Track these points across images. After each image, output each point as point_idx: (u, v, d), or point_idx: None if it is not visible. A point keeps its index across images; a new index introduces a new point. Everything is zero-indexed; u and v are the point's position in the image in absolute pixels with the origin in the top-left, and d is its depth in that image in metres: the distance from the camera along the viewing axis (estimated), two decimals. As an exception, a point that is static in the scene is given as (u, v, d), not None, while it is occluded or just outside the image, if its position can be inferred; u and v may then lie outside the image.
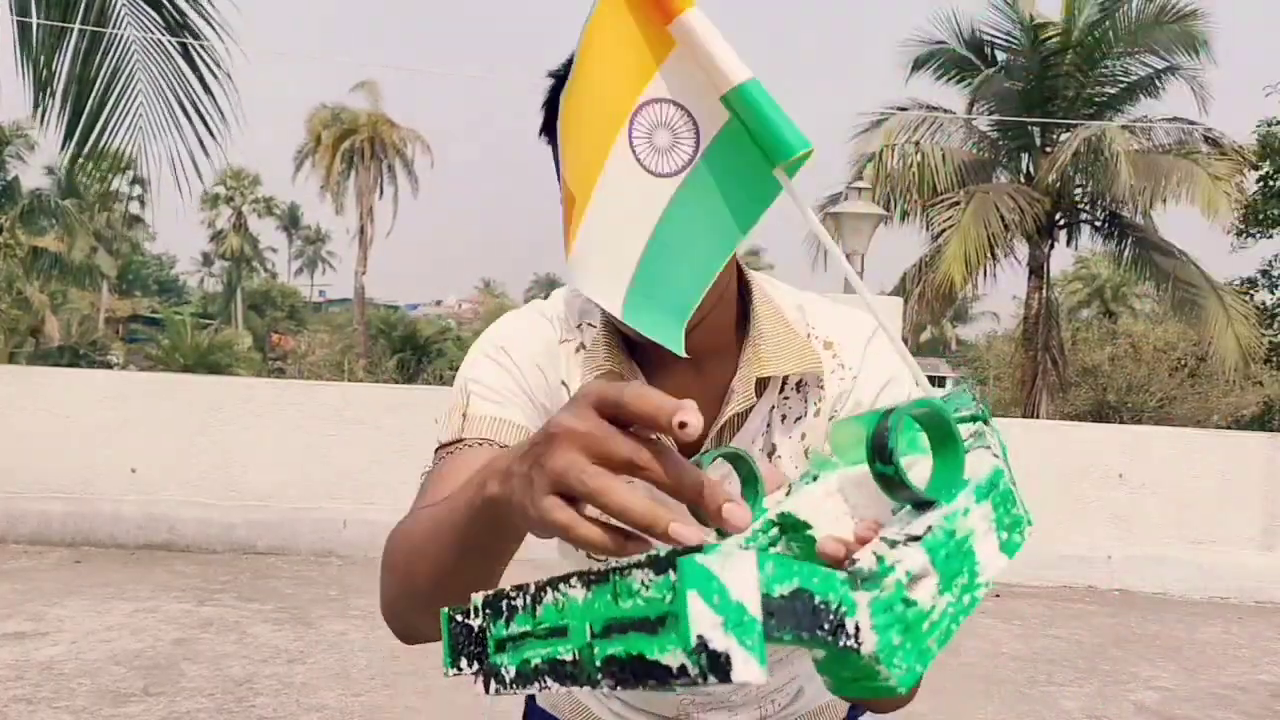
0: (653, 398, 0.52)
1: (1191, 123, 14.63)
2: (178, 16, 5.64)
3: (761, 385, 1.02)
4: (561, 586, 0.50)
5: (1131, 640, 5.34)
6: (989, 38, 15.37)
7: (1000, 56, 15.48)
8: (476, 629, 0.56)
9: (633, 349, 1.03)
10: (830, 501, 0.65)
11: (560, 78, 0.96)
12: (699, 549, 0.42)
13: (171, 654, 4.22)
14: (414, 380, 24.43)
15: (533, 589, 0.52)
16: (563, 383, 1.05)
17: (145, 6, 5.61)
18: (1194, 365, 16.52)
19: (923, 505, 0.54)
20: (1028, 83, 15.00)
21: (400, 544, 0.85)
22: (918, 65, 15.58)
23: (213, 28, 5.66)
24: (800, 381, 1.03)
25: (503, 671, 0.53)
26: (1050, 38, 14.91)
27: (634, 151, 0.82)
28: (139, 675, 3.94)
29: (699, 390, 1.02)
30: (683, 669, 0.42)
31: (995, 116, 15.66)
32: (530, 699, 1.31)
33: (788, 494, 0.68)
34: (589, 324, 1.06)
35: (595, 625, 0.47)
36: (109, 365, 30.08)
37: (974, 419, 0.64)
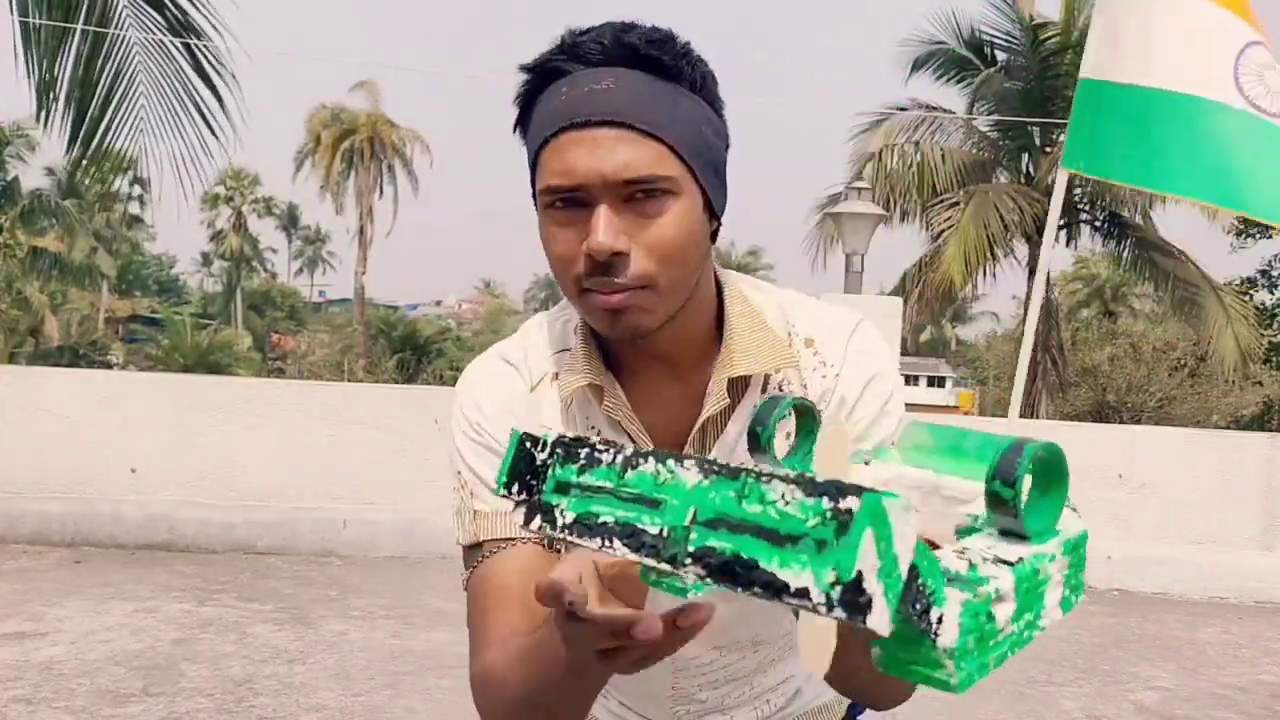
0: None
1: (1191, 123, 14.64)
2: (179, 16, 5.64)
3: (741, 386, 1.01)
4: (670, 462, 0.51)
5: (1131, 640, 5.34)
6: (989, 38, 15.37)
7: (1000, 56, 15.48)
8: (540, 462, 0.56)
9: (609, 361, 1.02)
10: (834, 428, 0.66)
11: (533, 70, 0.95)
12: (874, 490, 0.43)
13: (171, 654, 4.22)
14: (414, 380, 24.43)
15: (629, 451, 0.53)
16: (543, 428, 1.05)
17: (147, 7, 5.61)
18: (1194, 365, 16.52)
19: (1013, 535, 0.55)
20: (1027, 83, 15.01)
21: (497, 700, 0.93)
22: (917, 65, 15.58)
23: (215, 27, 5.66)
24: (782, 381, 1.02)
25: (557, 512, 0.55)
26: (1050, 37, 14.91)
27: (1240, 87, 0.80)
28: (139, 675, 3.94)
29: (677, 394, 1.02)
30: (805, 592, 0.43)
31: (995, 116, 15.66)
32: None
33: None
34: (565, 350, 1.05)
35: (704, 512, 0.48)
36: (109, 365, 30.08)
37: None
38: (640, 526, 0.50)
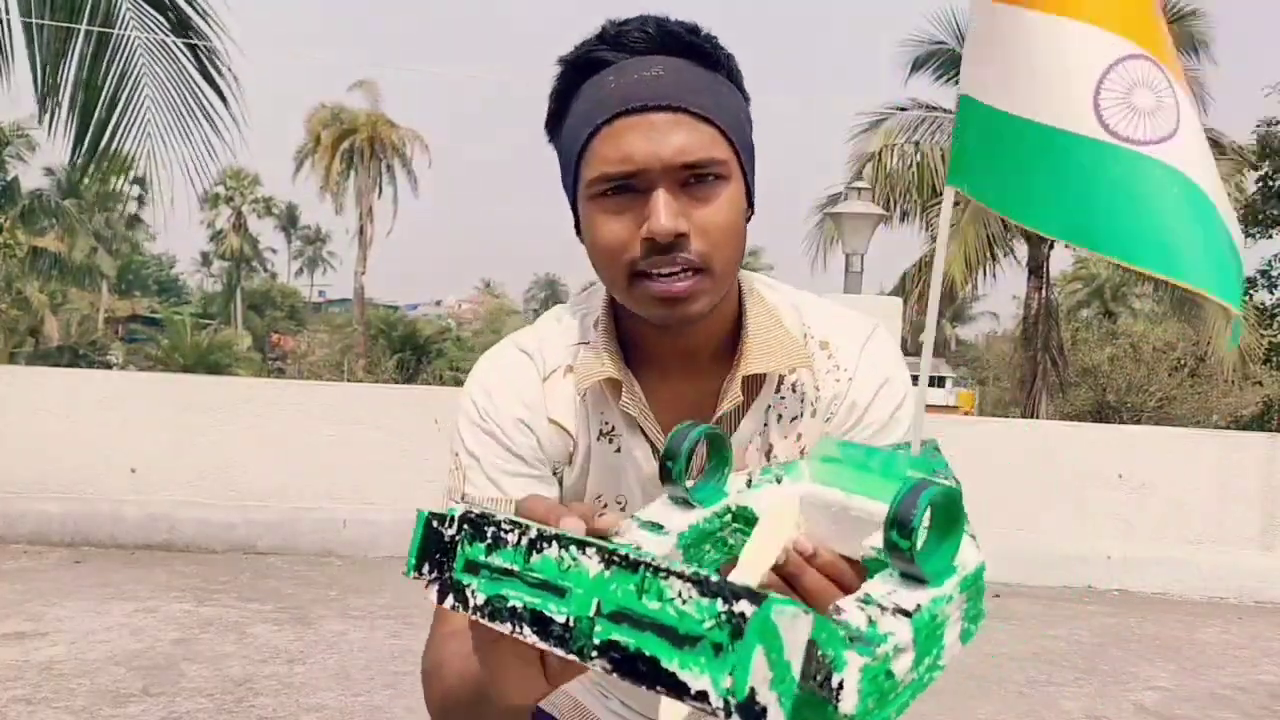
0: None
1: (1191, 123, 14.63)
2: (178, 16, 5.64)
3: (756, 385, 1.02)
4: (573, 549, 0.50)
5: (1131, 640, 5.34)
6: (989, 38, 15.34)
7: (1000, 57, 15.45)
8: (448, 539, 0.56)
9: (629, 356, 1.02)
10: (787, 507, 0.67)
11: (570, 64, 0.95)
12: (765, 596, 0.43)
13: (171, 654, 4.22)
14: (413, 380, 24.43)
15: (533, 533, 0.52)
16: (551, 420, 1.04)
17: (149, 8, 5.60)
18: (1193, 365, 16.53)
19: (912, 579, 0.56)
20: (1027, 83, 14.98)
21: (439, 692, 0.94)
22: (917, 65, 15.61)
23: (212, 27, 5.66)
24: (796, 382, 1.02)
25: (468, 592, 0.54)
26: (1050, 38, 14.89)
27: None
28: (138, 675, 3.94)
29: (692, 390, 1.02)
30: (704, 695, 0.44)
31: (995, 117, 15.63)
32: None
33: (749, 484, 0.69)
34: (585, 343, 1.04)
35: (605, 605, 0.48)
36: (108, 365, 30.09)
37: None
38: (548, 614, 0.50)
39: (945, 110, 15.83)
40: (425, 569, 0.57)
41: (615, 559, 0.49)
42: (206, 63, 5.68)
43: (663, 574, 0.47)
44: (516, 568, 0.52)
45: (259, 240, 50.73)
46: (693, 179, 0.90)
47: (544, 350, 1.06)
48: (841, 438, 0.67)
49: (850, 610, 0.53)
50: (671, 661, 0.45)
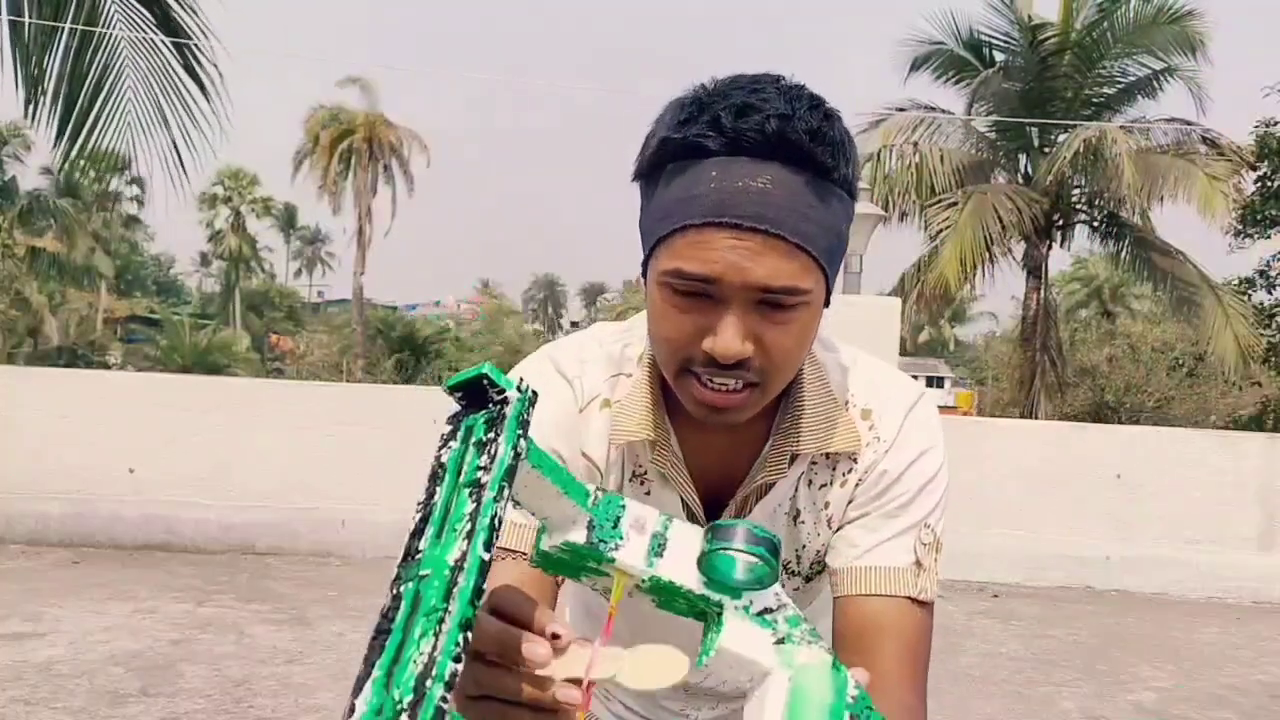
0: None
1: (1189, 123, 14.65)
2: (165, 14, 5.64)
3: (794, 456, 0.99)
4: None
5: (1129, 640, 5.35)
6: (987, 38, 15.37)
7: (998, 57, 15.48)
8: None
9: (670, 406, 0.99)
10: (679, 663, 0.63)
11: (678, 142, 0.86)
12: None
13: (170, 654, 4.22)
14: (412, 381, 24.41)
15: None
16: (583, 454, 1.01)
17: (135, 4, 5.61)
18: (1192, 365, 16.54)
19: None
20: (1026, 83, 15.01)
21: None
22: (916, 66, 15.59)
23: (201, 26, 5.65)
24: (836, 454, 1.00)
25: None
26: (1048, 38, 14.92)
27: None
28: (137, 676, 3.94)
29: (729, 447, 0.99)
30: None
31: (993, 117, 15.67)
32: None
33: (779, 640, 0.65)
34: (625, 375, 1.01)
35: None
36: (107, 365, 30.05)
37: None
38: None
39: (944, 111, 15.84)
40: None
41: None
42: (191, 58, 5.68)
43: None
44: None
45: (257, 240, 50.72)
46: (771, 302, 0.85)
47: (584, 377, 1.02)
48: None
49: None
50: None
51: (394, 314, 36.41)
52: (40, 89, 5.50)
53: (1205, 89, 14.61)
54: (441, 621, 0.50)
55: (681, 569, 0.61)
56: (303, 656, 4.30)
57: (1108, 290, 34.30)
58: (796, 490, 1.00)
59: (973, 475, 6.19)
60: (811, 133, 0.84)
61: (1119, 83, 15.30)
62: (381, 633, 0.51)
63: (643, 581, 0.62)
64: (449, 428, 0.59)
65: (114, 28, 5.58)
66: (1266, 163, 13.49)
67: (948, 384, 45.57)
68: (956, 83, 15.75)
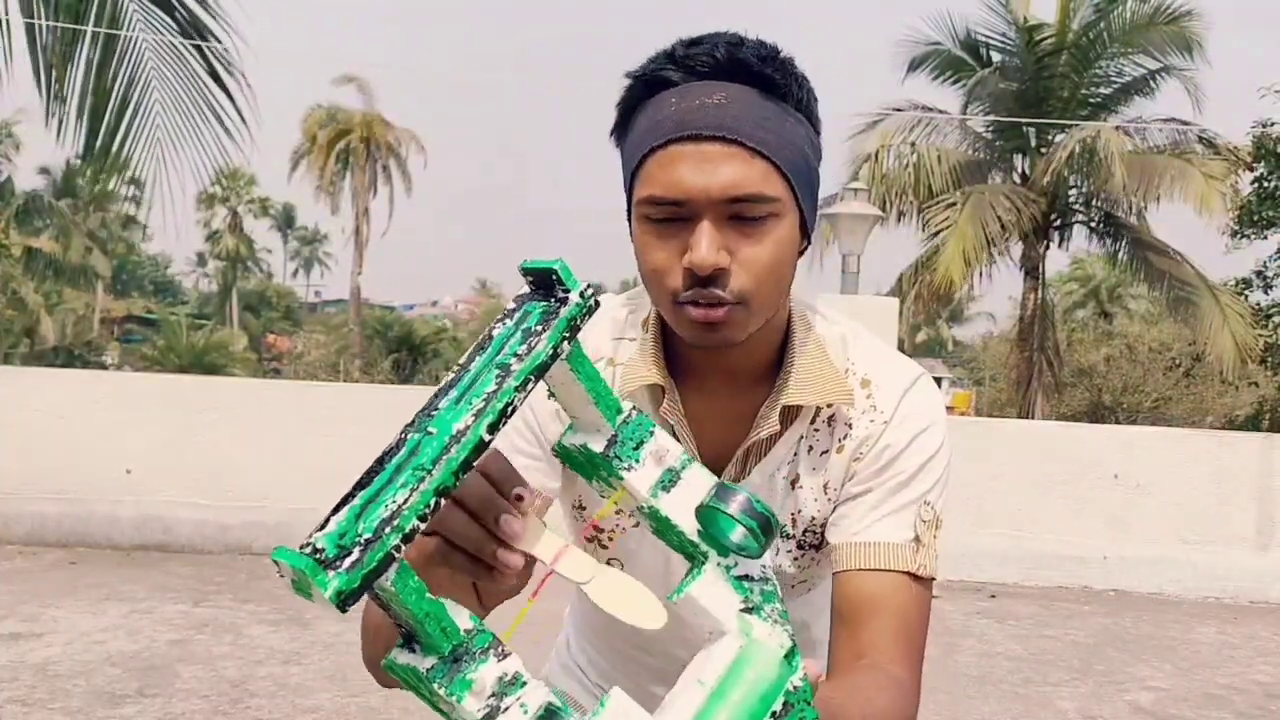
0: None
1: (1186, 124, 14.67)
2: (188, 16, 5.56)
3: (792, 414, 1.01)
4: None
5: (1127, 640, 5.35)
6: (984, 38, 15.40)
7: (995, 57, 15.50)
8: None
9: (672, 364, 1.01)
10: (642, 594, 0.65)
11: (639, 78, 0.94)
12: None
13: (167, 655, 4.22)
14: (409, 381, 24.39)
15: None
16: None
17: (155, 9, 5.53)
18: (1189, 365, 16.56)
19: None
20: (1023, 83, 15.03)
21: (372, 641, 0.87)
22: (913, 66, 15.60)
23: (221, 26, 5.56)
24: (832, 416, 1.02)
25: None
26: (1045, 39, 14.94)
27: None
28: (134, 676, 3.93)
29: (729, 409, 1.01)
30: None
31: (990, 117, 15.68)
32: None
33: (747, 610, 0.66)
34: (629, 338, 1.04)
35: None
36: (104, 366, 30.02)
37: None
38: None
39: (941, 111, 15.85)
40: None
41: None
42: (216, 64, 5.60)
43: None
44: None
45: (255, 240, 50.66)
46: (741, 213, 0.89)
47: (588, 338, 1.05)
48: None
49: None
50: None
51: (391, 314, 36.40)
52: (63, 101, 5.41)
53: (1202, 89, 14.65)
54: (422, 480, 0.53)
55: (682, 510, 0.63)
56: (299, 657, 4.29)
57: (1105, 290, 34.30)
58: (796, 454, 1.02)
59: (970, 475, 6.20)
60: (761, 56, 0.91)
61: (1115, 83, 15.33)
62: (378, 465, 0.55)
63: (643, 507, 0.64)
64: (513, 305, 0.62)
65: (135, 30, 5.47)
66: (1263, 164, 13.51)
67: (945, 384, 45.55)
68: (954, 83, 15.77)
